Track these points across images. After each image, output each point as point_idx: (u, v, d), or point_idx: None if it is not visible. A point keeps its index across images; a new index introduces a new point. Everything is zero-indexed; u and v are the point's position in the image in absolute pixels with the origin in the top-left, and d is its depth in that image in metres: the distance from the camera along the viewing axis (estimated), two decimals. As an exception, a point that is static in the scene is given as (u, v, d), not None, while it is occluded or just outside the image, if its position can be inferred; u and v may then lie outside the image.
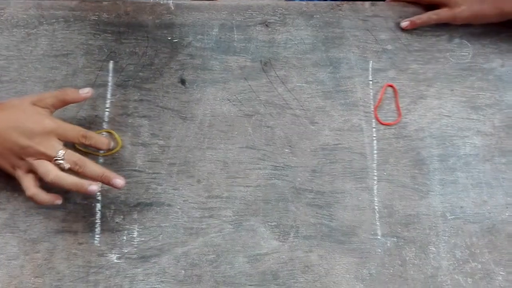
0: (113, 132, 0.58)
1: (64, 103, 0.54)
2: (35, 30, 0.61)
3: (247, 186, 0.58)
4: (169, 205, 0.57)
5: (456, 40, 0.65)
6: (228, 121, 0.60)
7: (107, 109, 0.59)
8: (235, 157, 0.59)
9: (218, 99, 0.61)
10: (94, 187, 0.50)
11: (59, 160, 0.50)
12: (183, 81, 0.61)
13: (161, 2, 0.63)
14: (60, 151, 0.50)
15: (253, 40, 0.63)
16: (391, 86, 0.62)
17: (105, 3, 0.63)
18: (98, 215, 0.56)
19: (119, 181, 0.51)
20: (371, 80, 0.63)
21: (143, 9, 0.63)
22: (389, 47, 0.64)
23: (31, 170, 0.51)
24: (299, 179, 0.59)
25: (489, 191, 0.60)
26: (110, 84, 0.60)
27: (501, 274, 0.57)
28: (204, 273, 0.55)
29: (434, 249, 0.58)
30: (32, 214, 0.55)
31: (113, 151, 0.58)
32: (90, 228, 0.55)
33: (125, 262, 0.54)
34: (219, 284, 0.55)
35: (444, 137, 0.62)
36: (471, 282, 0.57)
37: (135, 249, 0.55)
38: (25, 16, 0.61)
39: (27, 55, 0.60)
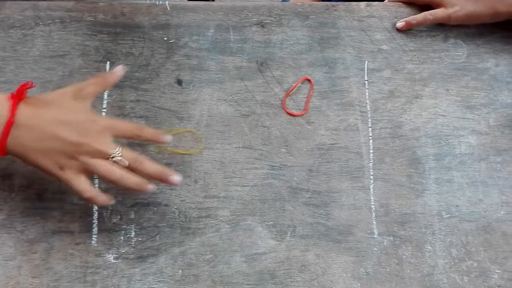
0: (194, 130, 0.60)
1: (104, 87, 0.53)
2: (31, 31, 0.63)
3: (244, 186, 0.60)
4: (166, 205, 0.58)
5: (451, 40, 0.68)
6: (224, 121, 0.62)
7: (104, 110, 0.61)
8: (232, 157, 0.61)
9: (215, 99, 0.63)
10: (152, 186, 0.50)
11: (117, 156, 0.48)
12: (179, 82, 0.63)
13: (157, 3, 0.66)
14: (117, 148, 0.49)
15: (249, 41, 0.65)
16: (308, 80, 0.64)
17: (101, 4, 0.65)
18: (95, 216, 0.57)
19: (177, 177, 0.51)
20: (366, 80, 0.65)
21: (139, 10, 0.65)
22: (384, 47, 0.66)
23: (83, 171, 0.49)
24: (295, 178, 0.61)
25: (484, 190, 0.62)
26: (106, 84, 0.62)
27: (497, 272, 0.59)
28: (201, 273, 0.57)
29: (430, 248, 0.59)
30: (29, 215, 0.57)
31: (195, 150, 0.60)
32: (87, 228, 0.57)
33: (123, 262, 0.56)
34: (216, 283, 0.56)
35: (440, 136, 0.64)
36: (467, 280, 0.59)
37: (132, 249, 0.57)
38: (21, 17, 0.63)
39: (23, 56, 0.62)
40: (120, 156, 0.49)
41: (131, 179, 0.49)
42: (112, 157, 0.48)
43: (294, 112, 0.63)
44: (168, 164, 0.60)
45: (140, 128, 0.52)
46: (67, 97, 0.50)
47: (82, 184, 0.49)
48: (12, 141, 0.47)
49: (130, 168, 0.49)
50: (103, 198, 0.50)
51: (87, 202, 0.51)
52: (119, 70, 0.53)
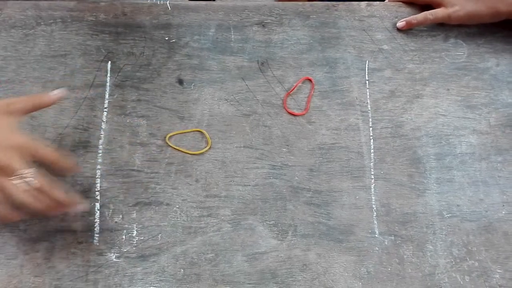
0: (204, 131, 0.60)
1: (36, 107, 0.52)
2: (32, 30, 0.63)
3: (245, 185, 0.60)
4: (167, 204, 0.59)
5: (452, 40, 0.68)
6: (226, 120, 0.63)
7: (105, 109, 0.61)
8: (233, 156, 0.61)
9: (216, 99, 0.63)
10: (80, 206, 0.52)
11: (29, 177, 0.48)
12: (180, 81, 0.64)
13: (158, 3, 0.66)
14: (28, 170, 0.48)
15: (250, 40, 0.66)
16: (309, 79, 0.64)
17: (102, 3, 0.65)
18: (97, 215, 0.58)
19: (82, 206, 0.52)
20: (367, 80, 0.66)
21: (140, 9, 0.66)
22: (385, 47, 0.67)
23: None
24: (296, 178, 0.61)
25: (485, 190, 0.63)
26: (108, 84, 0.62)
27: (498, 272, 0.60)
28: (203, 272, 0.57)
29: (432, 247, 0.60)
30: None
31: (202, 151, 0.60)
32: (89, 227, 0.57)
33: (124, 261, 0.57)
34: (217, 282, 0.57)
35: (441, 136, 0.64)
36: (468, 280, 0.59)
37: (134, 248, 0.57)
38: (22, 17, 0.64)
39: (25, 56, 0.62)
40: (32, 177, 0.48)
41: (43, 202, 0.48)
42: (22, 177, 0.48)
43: (295, 111, 0.63)
44: (169, 164, 0.60)
45: (58, 156, 0.51)
46: None
47: None
48: None
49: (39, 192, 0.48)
50: (11, 215, 0.49)
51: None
52: (58, 93, 0.53)
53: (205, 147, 0.61)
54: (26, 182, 0.47)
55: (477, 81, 0.67)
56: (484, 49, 0.68)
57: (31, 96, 0.52)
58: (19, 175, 0.47)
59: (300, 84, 0.65)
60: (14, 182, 0.47)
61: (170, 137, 0.61)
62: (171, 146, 0.61)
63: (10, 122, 0.49)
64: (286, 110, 0.63)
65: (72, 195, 0.51)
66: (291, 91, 0.63)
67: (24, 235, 0.56)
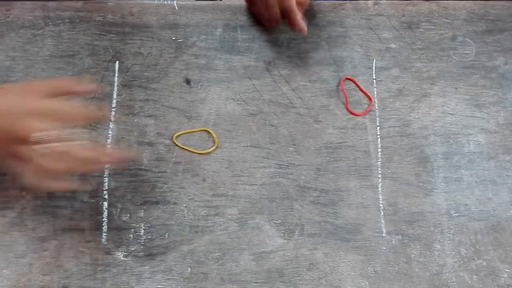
0: (211, 131, 0.62)
1: (64, 93, 0.51)
2: (41, 31, 0.65)
3: (252, 185, 0.61)
4: (175, 203, 0.60)
5: (459, 39, 0.69)
6: (232, 120, 0.64)
7: (113, 109, 0.63)
8: (240, 155, 0.62)
9: (223, 98, 0.64)
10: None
11: (37, 138, 0.47)
12: (188, 81, 0.65)
13: (165, 3, 0.67)
14: (37, 132, 0.47)
15: (256, 40, 0.67)
16: (350, 79, 0.65)
17: (110, 4, 0.67)
18: (105, 214, 0.59)
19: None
20: (374, 79, 0.66)
21: (147, 9, 0.67)
22: (392, 45, 0.68)
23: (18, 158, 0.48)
24: (303, 177, 0.62)
25: (493, 189, 0.63)
26: (116, 84, 0.63)
27: (506, 272, 0.60)
28: (210, 271, 0.58)
29: (439, 247, 0.61)
30: (39, 213, 0.58)
31: (209, 150, 0.62)
32: (97, 226, 0.59)
33: (132, 260, 0.58)
34: (225, 281, 0.58)
35: (448, 135, 0.65)
36: (476, 280, 0.60)
37: (142, 247, 0.58)
38: (31, 17, 0.65)
39: (33, 56, 0.64)
40: (39, 138, 0.47)
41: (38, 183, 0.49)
42: (43, 141, 0.47)
43: (351, 110, 0.65)
44: (177, 163, 0.61)
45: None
46: (27, 86, 0.51)
47: (25, 171, 0.48)
48: None
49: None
50: (44, 186, 0.49)
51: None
52: (89, 87, 0.52)
53: (212, 147, 0.62)
54: (48, 147, 0.47)
55: (485, 79, 0.67)
56: (492, 48, 0.68)
57: (63, 81, 0.52)
58: (41, 140, 0.47)
59: (307, 84, 0.65)
60: (37, 148, 0.47)
61: (178, 136, 0.62)
62: (178, 146, 0.62)
63: (34, 87, 0.50)
64: (348, 111, 0.64)
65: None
66: (346, 98, 0.64)
67: (33, 234, 0.58)
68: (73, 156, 0.49)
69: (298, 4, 0.61)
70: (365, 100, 0.66)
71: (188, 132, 0.63)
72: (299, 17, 0.61)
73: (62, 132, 0.48)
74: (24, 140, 0.47)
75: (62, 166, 0.48)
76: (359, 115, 0.65)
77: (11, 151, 0.48)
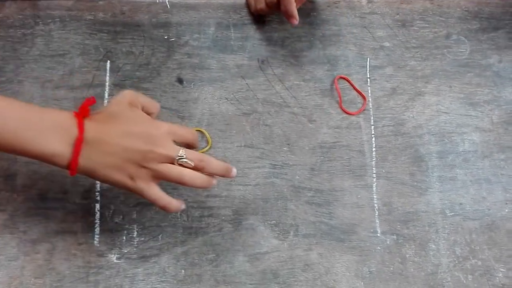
0: (204, 130, 0.62)
1: (147, 109, 0.53)
2: (31, 30, 0.64)
3: (246, 185, 0.61)
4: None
5: (454, 37, 0.69)
6: (226, 120, 0.63)
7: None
8: (234, 156, 0.62)
9: (216, 98, 0.64)
10: (215, 181, 0.52)
11: (183, 159, 0.49)
12: (180, 80, 0.64)
13: (157, 1, 0.67)
14: (181, 151, 0.49)
15: (250, 38, 0.66)
16: (344, 78, 0.65)
17: (100, 2, 0.66)
18: (97, 215, 0.58)
19: (235, 170, 0.53)
20: (368, 78, 0.66)
21: (139, 8, 0.66)
22: (386, 44, 0.68)
23: (153, 178, 0.49)
24: (297, 177, 0.62)
25: (488, 188, 0.63)
26: (107, 84, 0.63)
27: (501, 271, 0.60)
28: (204, 273, 0.58)
29: (434, 246, 0.61)
30: (31, 215, 0.58)
31: (203, 151, 0.61)
32: (90, 228, 0.58)
33: (125, 262, 0.57)
34: (219, 283, 0.58)
35: (443, 134, 0.65)
36: (471, 279, 0.60)
37: (135, 249, 0.58)
38: (20, 17, 0.64)
39: (23, 56, 0.63)
40: (185, 158, 0.49)
41: (200, 179, 0.50)
42: (178, 160, 0.49)
43: (349, 110, 0.65)
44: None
45: (195, 133, 0.53)
46: (124, 106, 0.50)
47: (156, 192, 0.49)
48: (82, 159, 0.47)
49: (196, 168, 0.50)
50: (177, 204, 0.51)
51: (163, 211, 0.51)
52: (157, 106, 0.54)
53: (206, 147, 0.62)
54: (182, 164, 0.49)
55: (479, 78, 0.67)
56: (486, 46, 0.68)
57: (146, 97, 0.53)
58: (175, 160, 0.49)
59: (301, 83, 0.65)
60: (175, 167, 0.49)
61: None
62: None
63: (142, 114, 0.51)
64: (343, 110, 0.64)
65: (226, 164, 0.52)
66: (340, 97, 0.64)
67: (24, 237, 0.57)
68: (209, 170, 0.51)
69: None
70: (359, 99, 0.65)
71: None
72: (293, 5, 0.60)
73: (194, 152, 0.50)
74: (168, 160, 0.49)
75: (199, 182, 0.50)
76: (353, 114, 0.64)
77: (148, 169, 0.48)
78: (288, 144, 0.63)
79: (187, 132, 0.52)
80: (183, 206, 0.52)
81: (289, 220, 0.60)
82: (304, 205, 0.61)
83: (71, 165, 0.47)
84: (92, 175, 0.49)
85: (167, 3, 0.67)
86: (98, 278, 0.57)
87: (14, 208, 0.58)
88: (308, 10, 0.68)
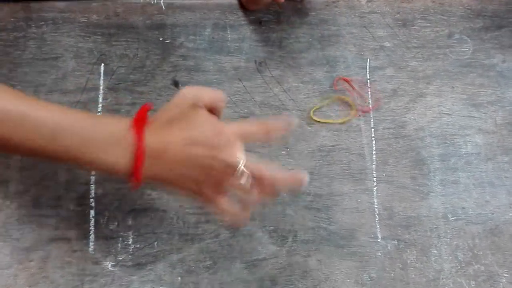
0: (346, 98, 0.61)
1: (213, 105, 0.48)
2: (23, 33, 0.63)
3: (243, 190, 0.60)
4: (164, 211, 0.59)
5: (456, 36, 0.68)
6: (222, 123, 0.62)
7: (99, 113, 0.61)
8: (231, 160, 0.61)
9: (212, 101, 0.63)
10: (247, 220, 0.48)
11: (240, 170, 0.45)
12: (176, 83, 0.63)
13: (152, 2, 0.65)
14: (241, 161, 0.45)
15: (247, 40, 0.65)
16: (344, 79, 0.64)
17: (94, 4, 0.65)
18: (92, 222, 0.58)
19: (306, 177, 0.48)
20: (368, 79, 0.65)
21: (133, 9, 0.65)
22: (387, 44, 0.66)
23: (218, 187, 0.46)
24: (296, 182, 0.61)
25: (491, 191, 0.62)
26: (101, 87, 0.62)
27: (505, 276, 0.60)
28: (200, 280, 0.57)
29: (436, 252, 0.60)
30: (25, 222, 0.57)
31: (348, 118, 0.61)
32: (84, 235, 0.57)
33: (120, 269, 0.57)
34: (216, 290, 0.57)
35: (445, 136, 0.64)
36: (474, 285, 0.59)
37: (130, 256, 0.57)
38: (13, 20, 0.63)
39: (16, 59, 0.62)
40: (242, 168, 0.45)
41: (237, 218, 0.47)
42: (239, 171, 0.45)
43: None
44: (165, 169, 0.60)
45: (266, 123, 0.47)
46: (187, 107, 0.46)
47: (224, 204, 0.46)
48: (146, 171, 0.44)
49: (257, 180, 0.46)
50: (245, 218, 0.47)
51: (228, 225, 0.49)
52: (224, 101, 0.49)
53: (351, 114, 0.61)
54: (244, 172, 0.45)
55: (482, 78, 0.66)
56: (489, 45, 0.67)
57: (211, 90, 0.48)
58: (236, 169, 0.45)
59: (299, 85, 0.64)
60: (240, 182, 0.45)
61: (315, 111, 0.62)
62: (317, 121, 0.62)
63: (206, 115, 0.46)
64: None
65: (293, 172, 0.48)
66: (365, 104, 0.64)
67: (17, 244, 0.56)
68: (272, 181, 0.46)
69: None
70: (359, 101, 0.64)
71: (325, 104, 0.63)
72: None
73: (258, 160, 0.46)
74: (231, 170, 0.45)
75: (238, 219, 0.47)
76: (368, 112, 0.63)
77: (213, 177, 0.45)
78: (286, 148, 0.62)
79: (258, 128, 0.47)
80: (247, 222, 0.48)
81: (287, 225, 0.59)
82: (302, 210, 0.60)
83: (135, 179, 0.44)
84: (158, 185, 0.47)
85: (162, 4, 0.66)
86: (93, 286, 0.56)
87: (7, 215, 0.57)
88: (306, 10, 0.67)
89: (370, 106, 0.64)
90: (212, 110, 0.48)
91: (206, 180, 0.45)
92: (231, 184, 0.45)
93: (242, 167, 0.45)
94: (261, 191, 0.46)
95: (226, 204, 0.46)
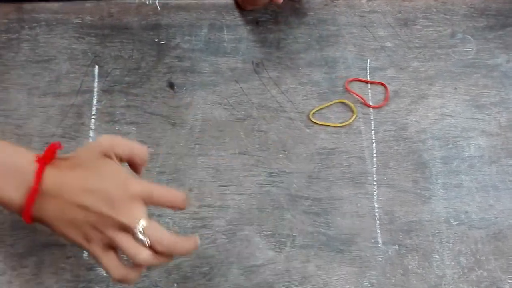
0: (347, 101, 0.62)
1: (131, 159, 0.47)
2: (16, 35, 0.62)
3: (240, 194, 0.59)
4: (159, 215, 0.58)
5: (459, 36, 0.67)
6: (219, 126, 0.62)
7: (93, 117, 0.60)
8: (228, 163, 0.60)
9: (209, 103, 0.62)
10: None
11: (139, 235, 0.42)
12: (171, 85, 0.62)
13: (147, 2, 0.65)
14: (142, 223, 0.42)
15: (244, 40, 0.65)
16: (358, 80, 0.64)
17: (88, 4, 0.64)
18: (86, 228, 0.57)
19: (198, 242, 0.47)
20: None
21: (127, 10, 0.64)
22: (388, 44, 0.66)
23: (110, 245, 0.44)
24: (294, 185, 0.60)
25: (495, 195, 0.62)
26: (95, 90, 0.61)
27: (508, 282, 0.59)
28: (197, 286, 0.56)
29: (438, 257, 0.59)
30: (18, 228, 0.56)
31: (349, 121, 0.61)
32: (78, 241, 0.57)
33: (115, 276, 0.56)
34: (213, 297, 0.56)
35: (447, 138, 0.63)
36: (477, 291, 0.58)
37: (125, 262, 0.56)
38: (5, 21, 0.63)
39: (9, 62, 0.61)
40: (141, 235, 0.42)
41: (157, 263, 0.44)
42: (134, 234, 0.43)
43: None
44: (161, 173, 0.59)
45: (180, 196, 0.46)
46: (97, 155, 0.44)
47: (110, 261, 0.44)
48: (36, 210, 0.43)
49: (152, 249, 0.43)
50: (135, 276, 0.45)
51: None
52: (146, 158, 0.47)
53: (351, 117, 0.61)
54: (142, 241, 0.43)
55: (486, 79, 0.66)
56: (493, 45, 0.67)
57: (131, 143, 0.47)
58: (133, 231, 0.42)
59: (297, 86, 0.63)
60: (130, 241, 0.43)
61: (314, 113, 0.62)
62: (317, 123, 0.61)
63: (116, 167, 0.45)
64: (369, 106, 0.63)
65: (190, 243, 0.46)
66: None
67: (11, 250, 0.56)
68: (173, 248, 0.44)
69: None
70: (359, 103, 0.64)
71: (325, 107, 0.62)
72: None
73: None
74: (126, 230, 0.42)
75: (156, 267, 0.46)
76: (379, 107, 0.63)
77: (104, 234, 0.43)
78: (285, 151, 0.61)
79: (169, 195, 0.45)
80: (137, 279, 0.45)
81: (285, 230, 0.59)
82: (301, 214, 0.59)
83: (24, 215, 0.43)
84: (48, 227, 0.45)
85: (157, 4, 0.65)
86: (87, 293, 0.55)
87: (0, 221, 0.57)
88: (305, 10, 0.66)
89: (372, 107, 0.63)
90: (132, 165, 0.47)
91: (96, 234, 0.43)
92: (121, 246, 0.43)
93: (140, 233, 0.42)
94: (155, 255, 0.44)
95: (114, 262, 0.44)
